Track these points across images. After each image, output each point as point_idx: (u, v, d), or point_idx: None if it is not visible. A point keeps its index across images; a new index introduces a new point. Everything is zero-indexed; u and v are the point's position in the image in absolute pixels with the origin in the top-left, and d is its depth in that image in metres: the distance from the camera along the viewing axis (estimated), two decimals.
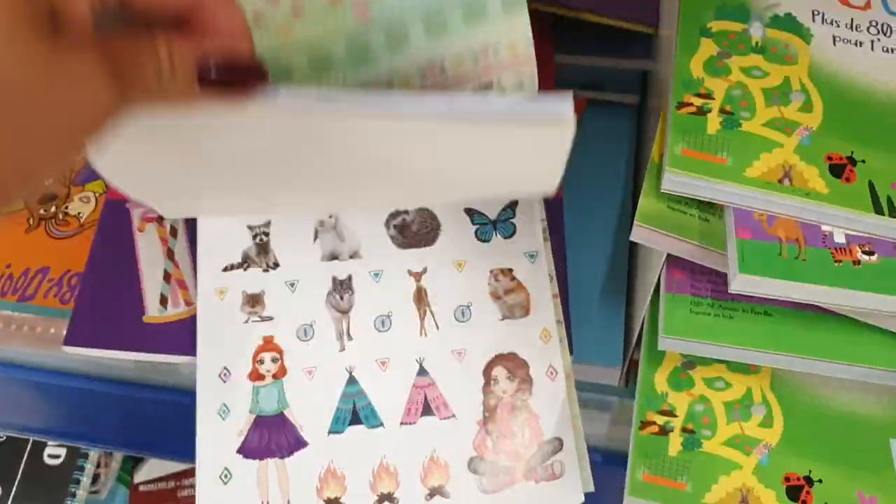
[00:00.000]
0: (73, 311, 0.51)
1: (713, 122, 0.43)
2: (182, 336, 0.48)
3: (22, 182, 0.29)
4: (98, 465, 0.83)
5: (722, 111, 0.43)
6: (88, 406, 0.59)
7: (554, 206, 0.51)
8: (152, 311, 0.50)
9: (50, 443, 0.82)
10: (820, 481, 0.45)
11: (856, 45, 0.45)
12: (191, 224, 0.51)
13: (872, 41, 0.46)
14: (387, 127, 0.35)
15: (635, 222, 0.43)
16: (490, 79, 0.41)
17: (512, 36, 0.41)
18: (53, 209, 0.59)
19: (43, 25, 0.28)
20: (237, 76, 0.37)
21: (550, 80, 0.56)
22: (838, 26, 0.46)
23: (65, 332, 0.50)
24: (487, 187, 0.44)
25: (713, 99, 0.43)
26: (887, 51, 0.45)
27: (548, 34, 0.58)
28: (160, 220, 0.53)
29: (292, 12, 0.40)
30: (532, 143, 0.37)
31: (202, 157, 0.38)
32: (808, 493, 0.45)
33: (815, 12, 0.46)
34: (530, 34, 0.41)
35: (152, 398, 0.57)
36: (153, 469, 0.90)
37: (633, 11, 0.54)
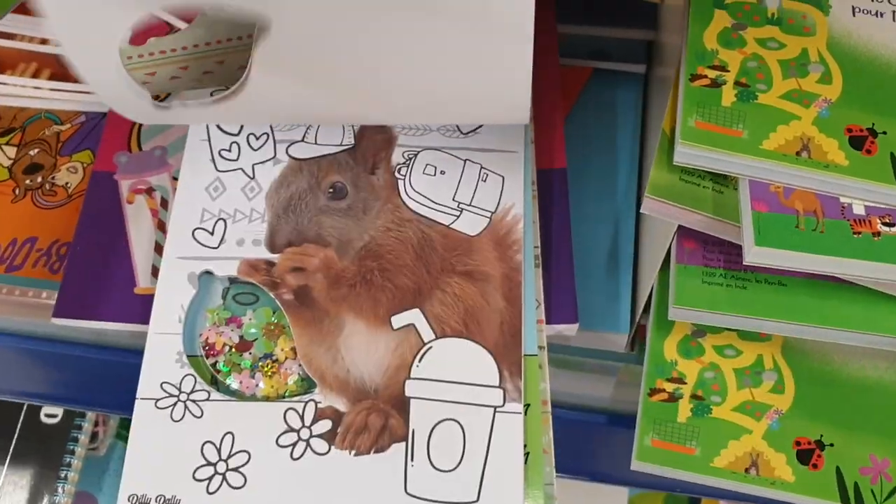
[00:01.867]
0: (61, 283, 0.42)
1: (728, 95, 0.34)
2: None
3: None
4: (96, 424, 0.73)
5: (737, 83, 0.34)
6: (83, 372, 0.51)
7: (558, 175, 0.43)
8: (144, 283, 0.42)
9: None
10: (832, 445, 0.37)
11: (876, 15, 0.36)
12: None
13: (893, 10, 0.36)
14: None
15: (645, 195, 0.34)
16: None
17: None
18: (40, 179, 0.50)
19: None
20: None
21: (554, 49, 0.47)
22: None
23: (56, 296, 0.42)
24: (457, 104, 0.36)
25: (728, 71, 0.34)
26: None
27: (551, 3, 0.49)
28: (150, 191, 0.44)
29: None
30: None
31: None
32: (818, 455, 0.37)
33: None
34: None
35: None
36: None
37: None
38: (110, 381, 0.51)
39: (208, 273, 0.40)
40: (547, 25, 0.48)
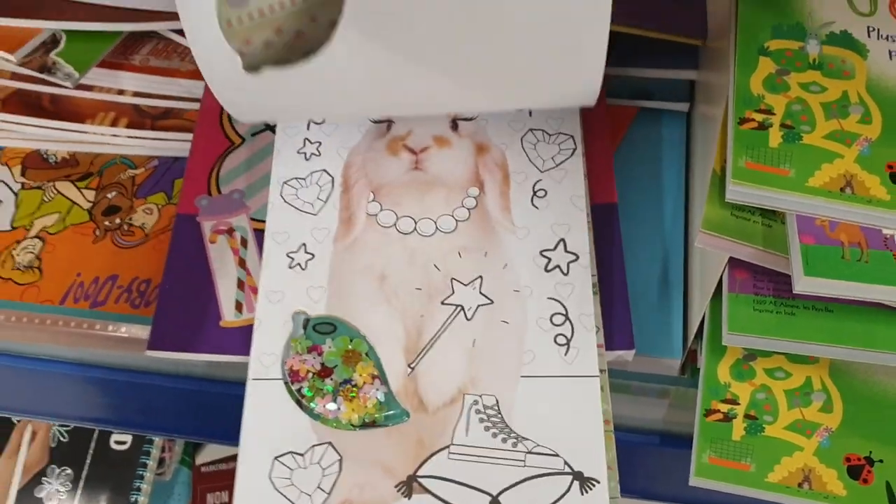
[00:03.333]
0: (153, 319, 0.46)
1: (774, 136, 0.37)
2: None
3: None
4: (163, 450, 0.76)
5: (783, 125, 0.37)
6: (157, 399, 0.55)
7: (610, 209, 0.46)
8: (229, 316, 0.46)
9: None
10: (881, 461, 0.39)
11: None
12: (260, 236, 0.47)
13: None
14: None
15: (700, 230, 0.37)
16: None
17: None
18: (118, 221, 0.55)
19: None
20: None
21: (601, 91, 0.51)
22: (894, 41, 0.39)
23: (138, 335, 0.47)
24: (532, 86, 0.38)
25: (774, 114, 0.37)
26: None
27: None
28: (230, 231, 0.48)
29: None
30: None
31: None
32: (868, 471, 0.39)
33: (871, 28, 0.40)
34: None
35: (219, 392, 0.52)
36: (213, 451, 0.84)
37: (682, 25, 0.49)
38: (181, 408, 0.55)
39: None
40: None
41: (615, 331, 0.42)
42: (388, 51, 0.38)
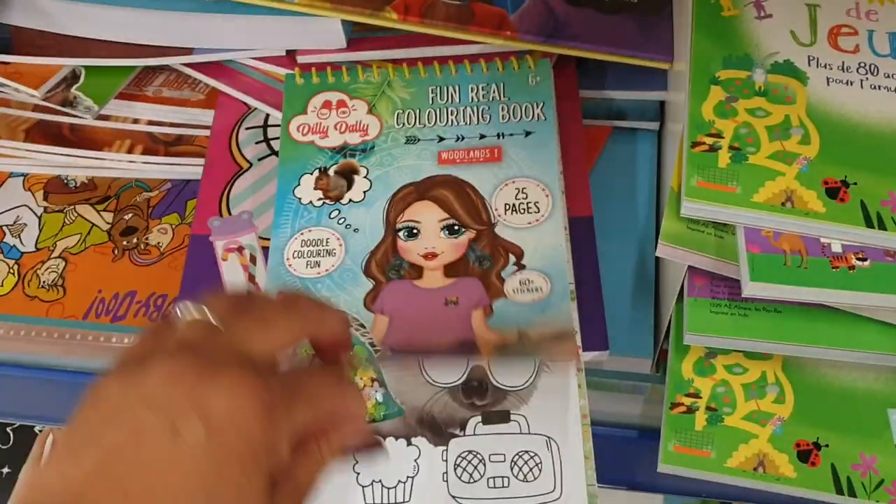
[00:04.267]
0: None
1: (723, 158, 0.41)
2: None
3: None
4: None
5: (731, 147, 0.42)
6: None
7: (586, 222, 0.51)
8: None
9: None
10: (827, 445, 0.44)
11: (847, 84, 0.43)
12: (268, 252, 0.51)
13: (861, 80, 0.43)
14: None
15: (660, 241, 0.42)
16: None
17: None
18: (135, 240, 0.59)
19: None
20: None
21: (577, 112, 0.55)
22: (831, 69, 0.44)
23: None
24: None
25: (723, 137, 0.42)
26: (875, 87, 0.43)
27: (573, 74, 0.57)
28: (240, 249, 0.53)
29: None
30: None
31: None
32: (816, 455, 0.43)
33: (811, 57, 0.44)
34: None
35: None
36: None
37: (649, 49, 0.53)
38: None
39: None
40: (571, 92, 0.56)
41: (590, 334, 0.47)
42: None
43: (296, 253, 0.50)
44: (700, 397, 0.45)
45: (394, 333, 0.47)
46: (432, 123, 0.54)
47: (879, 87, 0.43)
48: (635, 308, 0.51)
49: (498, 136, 0.53)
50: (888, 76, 0.44)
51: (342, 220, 0.51)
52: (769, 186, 0.41)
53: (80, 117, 0.59)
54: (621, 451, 0.53)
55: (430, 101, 0.55)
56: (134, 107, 0.62)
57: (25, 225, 0.61)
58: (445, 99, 0.55)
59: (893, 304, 0.40)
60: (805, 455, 0.43)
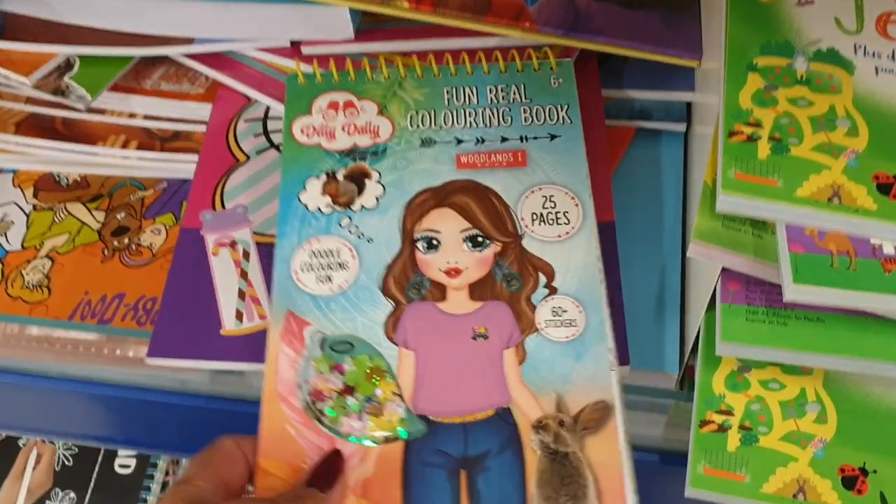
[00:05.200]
0: (154, 326, 0.47)
1: (763, 148, 0.38)
2: (258, 346, 0.43)
3: None
4: (167, 473, 0.76)
5: (771, 138, 0.38)
6: (163, 417, 0.55)
7: (607, 227, 0.47)
8: (229, 325, 0.47)
9: (121, 452, 0.75)
10: (875, 472, 0.39)
11: None
12: (262, 249, 0.49)
13: None
14: None
15: (691, 240, 0.38)
16: None
17: None
18: (126, 241, 0.56)
19: None
20: None
21: (600, 111, 0.52)
22: (880, 58, 0.40)
23: (144, 350, 0.47)
24: None
25: (762, 127, 0.38)
26: None
27: (595, 71, 0.54)
28: (233, 244, 0.49)
29: None
30: None
31: None
32: (863, 482, 0.39)
33: (857, 45, 0.41)
34: None
35: (222, 409, 0.53)
36: None
37: (677, 46, 0.50)
38: (186, 426, 0.56)
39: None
40: (592, 90, 0.53)
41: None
42: None
43: (304, 265, 0.45)
44: (733, 415, 0.40)
45: (423, 390, 0.42)
46: (449, 125, 0.50)
47: None
48: (659, 319, 0.47)
49: (521, 139, 0.49)
50: None
51: (354, 228, 0.46)
52: (814, 180, 0.37)
53: (72, 108, 0.56)
54: (641, 477, 0.50)
55: (446, 103, 0.51)
56: (130, 100, 0.59)
57: (13, 223, 0.58)
58: (462, 100, 0.51)
59: None
60: (850, 482, 0.39)
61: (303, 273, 0.45)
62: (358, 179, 0.48)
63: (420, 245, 0.46)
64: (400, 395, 0.41)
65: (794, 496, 0.39)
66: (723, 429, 0.40)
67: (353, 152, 0.49)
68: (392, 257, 0.45)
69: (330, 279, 0.45)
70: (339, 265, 0.45)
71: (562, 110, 0.50)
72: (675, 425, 0.48)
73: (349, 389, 0.42)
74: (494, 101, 0.51)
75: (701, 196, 0.39)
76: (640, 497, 0.46)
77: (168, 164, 0.58)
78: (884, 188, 0.37)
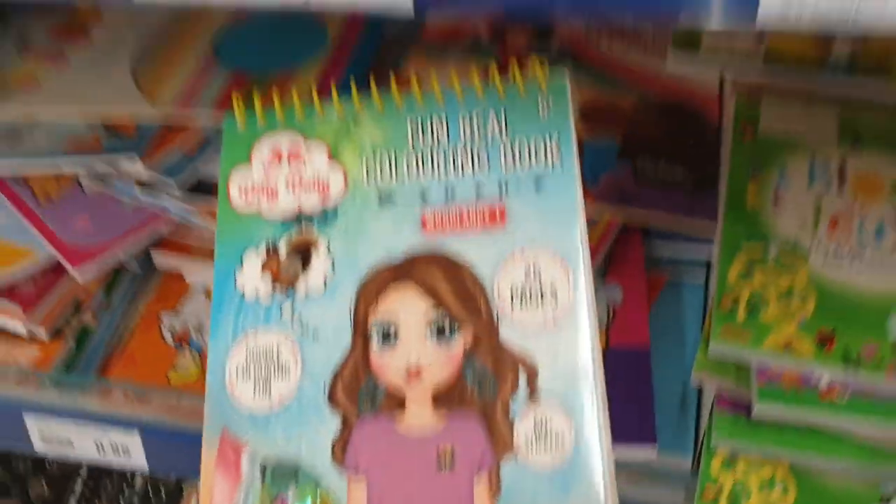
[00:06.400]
0: None
1: (741, 313, 0.58)
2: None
3: None
4: None
5: (748, 305, 0.58)
6: None
7: (641, 355, 0.63)
8: None
9: None
10: None
11: (841, 260, 0.59)
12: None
13: (852, 258, 0.59)
14: None
15: (693, 371, 0.59)
16: None
17: None
18: None
19: None
20: None
21: (640, 260, 0.69)
22: (828, 249, 0.59)
23: None
24: None
25: (741, 298, 0.58)
26: (861, 263, 0.59)
27: (639, 238, 0.71)
28: None
29: None
30: None
31: None
32: None
33: (814, 239, 0.60)
34: None
35: None
36: None
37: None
38: None
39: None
40: (635, 245, 0.72)
41: (640, 423, 0.60)
42: None
43: (240, 370, 0.41)
44: (722, 491, 0.59)
45: None
46: (413, 174, 0.43)
47: (865, 263, 0.59)
48: (682, 418, 0.65)
49: (500, 186, 0.43)
50: (872, 256, 0.60)
51: (297, 319, 0.42)
52: (774, 336, 0.56)
53: None
54: None
55: (409, 142, 0.44)
56: None
57: None
58: (429, 137, 0.44)
59: (867, 426, 0.54)
60: None
61: (239, 382, 0.41)
62: (303, 253, 0.44)
63: (375, 338, 0.41)
64: None
65: None
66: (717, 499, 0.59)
67: (298, 218, 0.44)
68: (341, 356, 0.41)
69: (269, 390, 0.41)
70: (280, 369, 0.41)
71: (551, 144, 0.43)
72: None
73: None
74: (468, 136, 0.44)
75: (700, 343, 0.59)
76: None
77: None
78: (823, 342, 0.56)
